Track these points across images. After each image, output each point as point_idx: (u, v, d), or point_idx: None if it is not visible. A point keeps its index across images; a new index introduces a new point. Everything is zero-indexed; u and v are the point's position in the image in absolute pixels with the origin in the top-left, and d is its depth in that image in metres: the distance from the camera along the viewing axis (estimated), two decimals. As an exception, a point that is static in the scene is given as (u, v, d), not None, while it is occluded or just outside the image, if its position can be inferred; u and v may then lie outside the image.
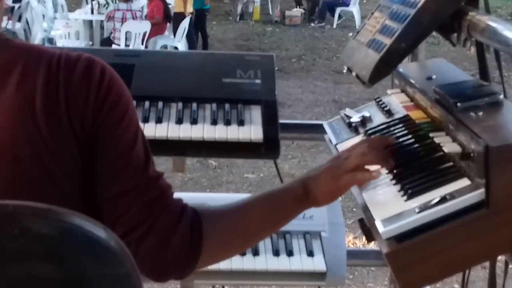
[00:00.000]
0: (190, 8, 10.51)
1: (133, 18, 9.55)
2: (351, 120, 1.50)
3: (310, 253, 1.78)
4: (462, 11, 1.36)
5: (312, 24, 13.68)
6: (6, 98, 1.00)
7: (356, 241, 4.00)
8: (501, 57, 1.41)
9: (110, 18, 9.68)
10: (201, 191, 5.48)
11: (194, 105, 1.75)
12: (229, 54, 1.92)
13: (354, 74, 1.53)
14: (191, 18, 10.43)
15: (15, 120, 1.00)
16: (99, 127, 1.04)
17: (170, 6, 10.74)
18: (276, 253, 1.78)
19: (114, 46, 9.25)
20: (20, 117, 1.00)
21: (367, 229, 1.17)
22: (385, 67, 1.42)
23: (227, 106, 1.75)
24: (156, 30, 9.87)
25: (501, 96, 1.21)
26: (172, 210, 1.10)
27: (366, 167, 1.18)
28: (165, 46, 10.07)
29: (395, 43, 1.39)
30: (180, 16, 10.39)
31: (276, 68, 1.85)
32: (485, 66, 1.43)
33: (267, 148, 1.67)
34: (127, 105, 1.07)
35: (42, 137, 1.00)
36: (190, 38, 10.54)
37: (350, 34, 9.94)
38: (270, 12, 14.04)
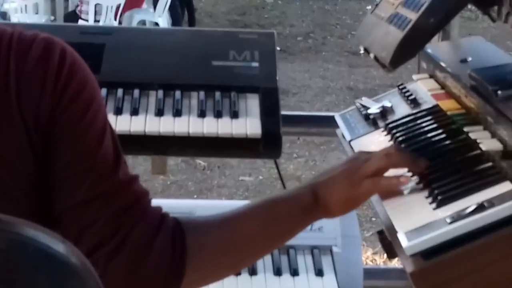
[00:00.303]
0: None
1: (104, -12, 9.58)
2: (369, 111, 1.50)
3: (319, 272, 1.77)
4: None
5: (322, -5, 13.75)
6: None
7: (376, 258, 4.01)
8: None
9: (75, -14, 9.71)
10: (187, 197, 5.52)
11: (178, 93, 1.76)
12: (221, 32, 1.93)
13: (372, 55, 1.54)
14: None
15: None
16: (58, 122, 1.03)
17: (149, -28, 10.80)
18: (277, 272, 1.77)
19: (80, 22, 9.28)
20: None
21: (388, 243, 1.18)
22: (410, 47, 1.44)
23: (217, 94, 1.76)
24: (132, 2, 9.87)
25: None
26: (149, 221, 1.10)
27: (391, 171, 1.18)
28: (143, 22, 10.09)
29: (422, 18, 1.40)
30: (161, -13, 10.46)
31: (278, 48, 1.86)
32: (531, 45, 1.44)
33: (266, 145, 1.68)
34: (93, 95, 1.07)
35: None
36: (174, 12, 10.56)
37: (369, 7, 9.94)
38: (271, -19, 14.09)
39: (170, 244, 1.10)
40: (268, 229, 1.19)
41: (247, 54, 1.81)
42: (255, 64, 1.80)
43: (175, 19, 10.56)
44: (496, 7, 1.41)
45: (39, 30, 1.11)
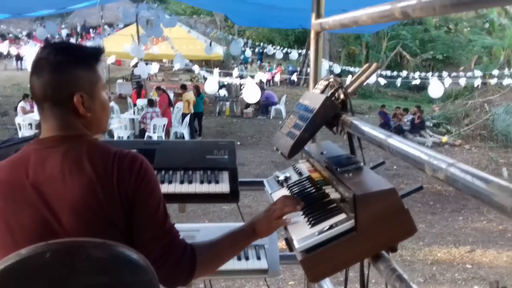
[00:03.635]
0: (191, 111, 10.74)
1: (157, 116, 9.57)
2: (279, 178, 1.49)
3: (258, 258, 1.75)
4: (338, 114, 1.39)
5: (259, 117, 13.84)
6: (85, 174, 0.98)
7: (285, 250, 3.94)
8: (361, 141, 1.44)
9: (143, 117, 9.69)
10: (198, 218, 5.40)
11: (190, 172, 1.72)
12: (210, 141, 1.91)
13: (279, 152, 1.53)
14: (190, 116, 10.56)
15: (88, 189, 0.97)
16: (137, 198, 1.01)
17: (178, 108, 10.85)
18: (239, 258, 1.74)
19: (147, 133, 9.25)
20: (90, 188, 0.97)
21: (289, 244, 1.16)
22: (297, 147, 1.43)
23: (209, 172, 1.72)
24: (170, 122, 9.90)
25: (362, 164, 1.23)
26: (179, 248, 1.08)
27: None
28: (175, 132, 10.07)
29: (302, 133, 1.41)
30: (185, 114, 10.62)
31: (238, 143, 1.88)
32: (352, 145, 1.44)
33: (231, 196, 1.65)
34: (154, 185, 1.05)
35: (100, 202, 0.97)
36: (191, 127, 10.65)
37: (280, 122, 10.09)
38: (235, 110, 14.24)
39: (188, 260, 1.08)
40: (232, 247, 1.18)
41: (222, 152, 1.79)
42: (226, 157, 1.77)
43: (191, 130, 10.58)
44: (335, 127, 1.43)
45: (128, 146, 1.09)
